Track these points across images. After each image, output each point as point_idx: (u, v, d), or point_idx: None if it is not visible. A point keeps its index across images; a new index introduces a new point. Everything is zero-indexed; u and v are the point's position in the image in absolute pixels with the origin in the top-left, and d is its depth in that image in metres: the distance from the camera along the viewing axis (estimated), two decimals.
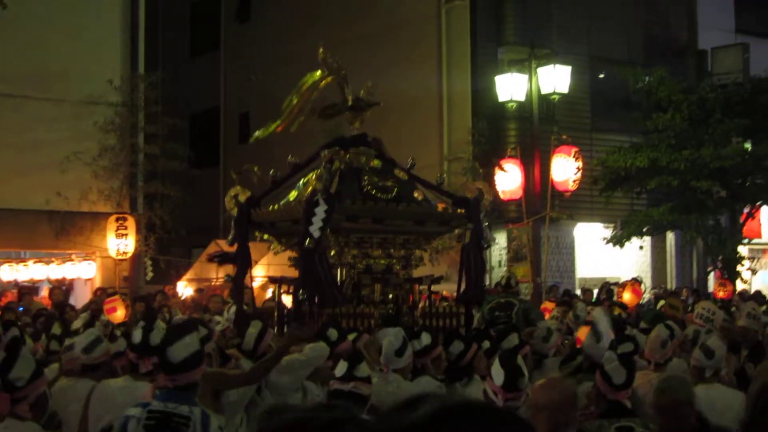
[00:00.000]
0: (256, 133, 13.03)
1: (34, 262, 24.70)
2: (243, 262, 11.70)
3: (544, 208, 23.78)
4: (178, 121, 25.68)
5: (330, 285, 11.08)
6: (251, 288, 12.51)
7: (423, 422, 2.24)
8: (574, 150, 24.60)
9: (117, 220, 24.23)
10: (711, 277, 28.06)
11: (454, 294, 12.45)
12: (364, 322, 11.11)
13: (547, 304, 16.75)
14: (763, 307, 17.43)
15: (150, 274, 25.31)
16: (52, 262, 24.69)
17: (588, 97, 28.53)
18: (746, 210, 27.12)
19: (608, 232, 27.21)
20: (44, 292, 23.35)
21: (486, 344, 9.55)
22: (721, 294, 22.65)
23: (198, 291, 22.87)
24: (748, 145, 26.70)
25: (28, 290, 22.84)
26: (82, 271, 24.74)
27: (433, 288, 12.79)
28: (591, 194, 26.82)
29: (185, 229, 24.79)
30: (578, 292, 24.34)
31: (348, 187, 11.65)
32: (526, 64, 25.82)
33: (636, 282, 21.80)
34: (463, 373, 9.14)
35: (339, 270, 11.90)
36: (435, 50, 28.05)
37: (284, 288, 12.21)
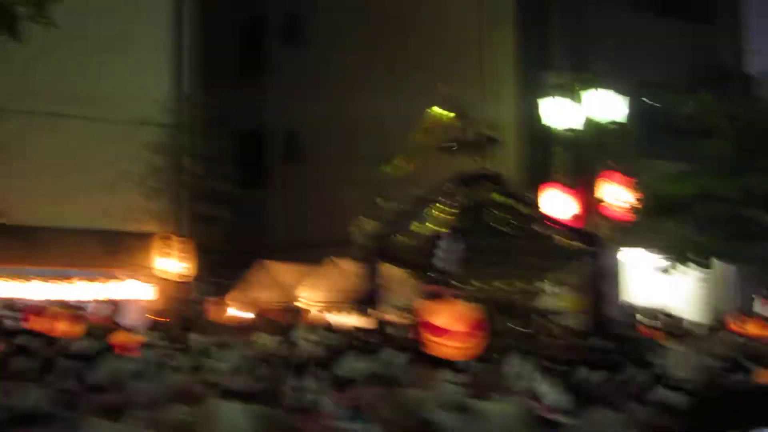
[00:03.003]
0: (385, 168, 13.32)
1: (83, 281, 24.87)
2: (372, 289, 12.04)
3: None
4: (225, 142, 25.75)
5: None
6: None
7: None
8: (620, 176, 24.52)
9: (165, 240, 24.38)
10: (757, 305, 27.82)
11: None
12: (489, 350, 11.31)
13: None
14: None
15: (200, 295, 25.41)
16: (100, 281, 24.84)
17: (633, 122, 28.35)
18: None
19: (656, 259, 27.05)
20: (92, 311, 23.45)
21: (611, 374, 9.66)
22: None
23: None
24: None
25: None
26: (130, 291, 24.89)
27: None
28: (638, 221, 26.64)
29: (231, 250, 24.85)
30: None
31: (472, 221, 11.88)
32: (570, 88, 25.79)
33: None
34: (587, 399, 9.29)
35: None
36: (478, 72, 27.98)
37: None
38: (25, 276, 24.92)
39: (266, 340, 15.19)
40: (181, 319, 19.00)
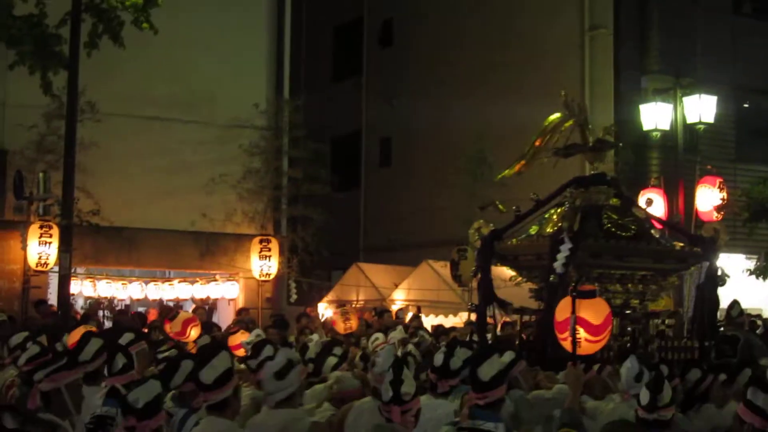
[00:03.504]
0: (505, 172, 13.45)
1: (179, 282, 25.21)
2: (485, 292, 12.12)
3: None
4: (321, 145, 25.86)
5: None
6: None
7: None
8: (718, 180, 24.29)
9: (261, 242, 24.55)
10: None
11: None
12: (603, 353, 11.27)
13: None
14: None
15: (294, 296, 25.62)
16: (197, 281, 25.17)
17: (732, 126, 28.10)
18: None
19: (751, 264, 26.75)
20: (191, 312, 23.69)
21: (722, 377, 9.60)
22: None
23: (343, 313, 22.91)
24: None
25: (169, 309, 23.20)
26: (225, 291, 25.17)
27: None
28: (734, 225, 26.34)
29: (327, 252, 24.98)
30: None
31: (589, 224, 12.03)
32: (670, 93, 25.59)
33: None
34: (697, 400, 9.30)
35: None
36: (578, 77, 27.87)
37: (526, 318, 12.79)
38: (123, 277, 25.32)
39: (370, 340, 15.23)
40: (279, 319, 19.07)
